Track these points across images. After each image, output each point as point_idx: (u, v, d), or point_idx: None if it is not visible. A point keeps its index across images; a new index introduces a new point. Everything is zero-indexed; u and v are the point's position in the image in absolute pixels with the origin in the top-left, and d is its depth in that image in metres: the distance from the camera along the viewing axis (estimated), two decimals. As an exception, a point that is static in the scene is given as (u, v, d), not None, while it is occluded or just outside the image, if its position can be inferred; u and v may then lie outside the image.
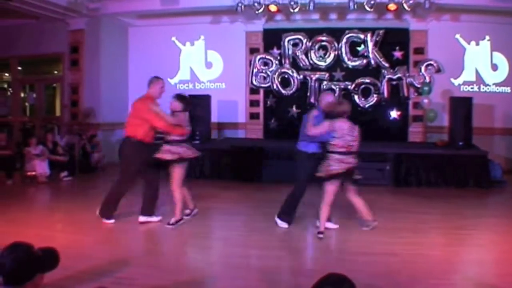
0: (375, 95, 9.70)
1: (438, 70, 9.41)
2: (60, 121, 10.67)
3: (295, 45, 9.82)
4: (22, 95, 11.50)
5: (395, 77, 9.59)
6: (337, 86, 9.77)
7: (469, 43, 9.94)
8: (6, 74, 12.14)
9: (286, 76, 9.76)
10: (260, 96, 10.14)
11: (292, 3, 8.75)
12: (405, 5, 8.59)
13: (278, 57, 9.91)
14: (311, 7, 8.70)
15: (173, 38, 10.42)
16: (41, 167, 8.19)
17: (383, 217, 5.38)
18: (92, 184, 8.45)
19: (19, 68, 11.32)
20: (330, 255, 4.56)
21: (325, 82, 9.79)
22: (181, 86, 10.49)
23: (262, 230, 5.18)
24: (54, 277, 2.93)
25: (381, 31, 9.59)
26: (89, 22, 10.04)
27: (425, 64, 9.41)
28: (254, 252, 4.50)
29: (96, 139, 9.70)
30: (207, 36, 10.37)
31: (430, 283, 3.72)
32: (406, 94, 9.63)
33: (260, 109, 10.25)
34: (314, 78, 9.78)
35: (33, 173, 8.14)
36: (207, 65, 10.46)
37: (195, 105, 9.08)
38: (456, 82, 9.92)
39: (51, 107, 11.30)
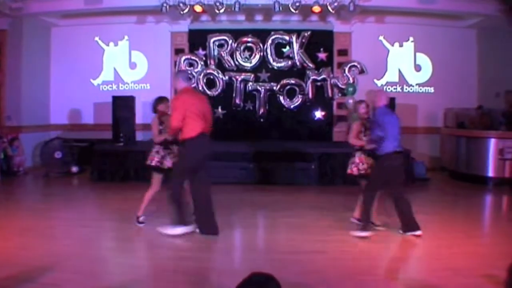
0: (300, 96, 9.77)
1: (362, 71, 9.58)
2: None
3: (220, 46, 9.79)
4: None
5: (319, 78, 9.70)
6: (263, 87, 9.79)
7: (392, 45, 10.14)
8: None
9: (211, 77, 9.70)
10: (186, 97, 10.00)
11: (218, 4, 8.69)
12: (329, 8, 8.67)
13: (204, 58, 9.86)
14: (237, 8, 8.69)
15: (96, 38, 10.20)
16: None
17: (310, 216, 5.41)
18: (14, 188, 8.21)
19: None
20: (258, 255, 4.49)
21: (250, 83, 9.79)
22: (105, 87, 10.31)
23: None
24: (-26, 284, 2.84)
25: (306, 33, 9.70)
26: (12, 22, 9.71)
27: (349, 65, 9.56)
28: (181, 254, 4.42)
29: (17, 142, 9.42)
30: (131, 36, 10.20)
31: (358, 279, 3.72)
32: (330, 94, 9.74)
33: (186, 110, 10.12)
34: (239, 79, 9.77)
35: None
36: (131, 65, 10.28)
37: (120, 106, 8.99)
38: (379, 82, 10.11)
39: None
